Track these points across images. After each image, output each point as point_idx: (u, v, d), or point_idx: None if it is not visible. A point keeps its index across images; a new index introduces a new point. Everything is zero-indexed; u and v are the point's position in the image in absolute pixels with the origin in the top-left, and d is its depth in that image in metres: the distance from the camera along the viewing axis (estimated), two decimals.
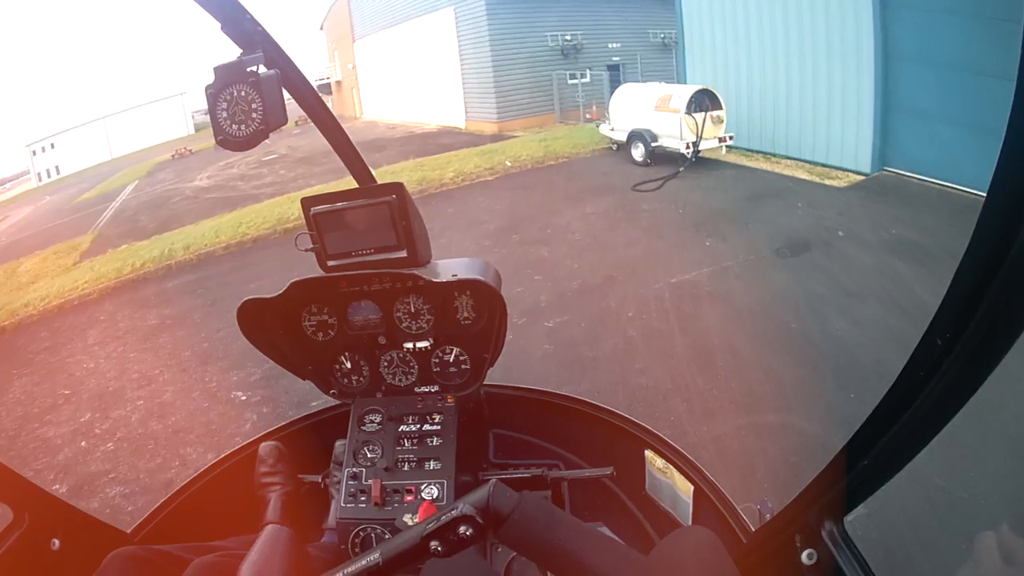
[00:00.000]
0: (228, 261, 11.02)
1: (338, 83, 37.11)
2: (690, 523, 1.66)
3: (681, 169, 12.98)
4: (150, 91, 46.15)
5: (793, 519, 1.05)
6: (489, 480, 1.05)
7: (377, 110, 32.04)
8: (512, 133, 20.91)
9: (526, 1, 21.27)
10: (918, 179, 11.46)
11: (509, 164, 14.78)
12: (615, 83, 21.20)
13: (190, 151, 30.34)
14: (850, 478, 0.89)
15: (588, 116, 21.55)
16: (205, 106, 1.25)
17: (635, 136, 14.07)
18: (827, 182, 12.31)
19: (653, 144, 13.61)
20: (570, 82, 22.40)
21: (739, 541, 1.40)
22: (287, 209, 12.48)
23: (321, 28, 37.28)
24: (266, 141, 1.26)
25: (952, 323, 0.64)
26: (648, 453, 1.79)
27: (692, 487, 1.65)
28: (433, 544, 0.98)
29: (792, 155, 14.29)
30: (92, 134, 41.87)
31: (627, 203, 11.29)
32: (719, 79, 15.18)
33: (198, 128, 43.45)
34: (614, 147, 15.73)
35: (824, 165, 13.43)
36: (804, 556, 1.00)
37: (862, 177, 12.44)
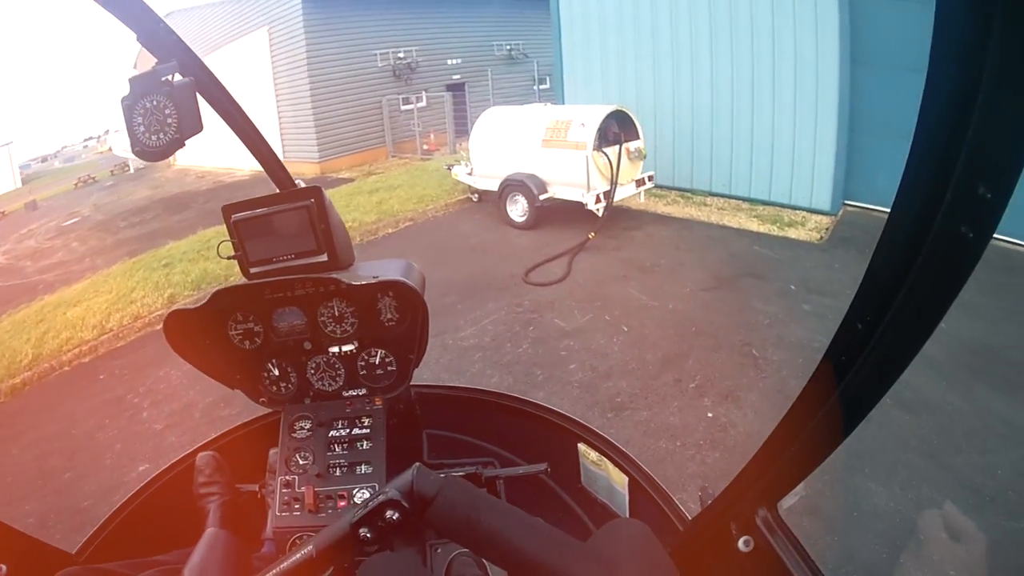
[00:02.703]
0: None
1: None
2: (627, 515, 1.65)
3: (592, 235, 8.52)
4: None
5: (727, 507, 1.04)
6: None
7: (191, 155, 27.12)
8: (337, 174, 17.64)
9: (350, 15, 18.08)
10: None
11: None
12: (459, 105, 18.55)
13: (3, 213, 26.52)
14: (780, 464, 0.89)
15: (426, 147, 18.47)
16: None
17: (512, 186, 9.46)
18: (791, 234, 8.80)
19: (542, 196, 9.06)
20: (404, 108, 19.12)
21: (677, 531, 1.39)
22: (25, 341, 8.01)
23: (135, 66, 31.86)
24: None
25: (871, 307, 0.64)
26: (581, 446, 1.79)
27: (627, 478, 1.64)
28: (362, 531, 0.98)
29: (719, 191, 10.56)
30: None
31: (525, 315, 6.60)
32: (611, 95, 11.07)
33: (25, 181, 39.41)
34: (474, 197, 11.23)
35: (766, 203, 9.84)
36: (740, 543, 1.00)
37: (828, 219, 9.29)
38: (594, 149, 8.48)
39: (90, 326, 7.99)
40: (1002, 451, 4.04)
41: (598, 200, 8.58)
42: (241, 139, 1.71)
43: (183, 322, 1.65)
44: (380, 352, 1.77)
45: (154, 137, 1.22)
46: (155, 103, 1.21)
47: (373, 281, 1.61)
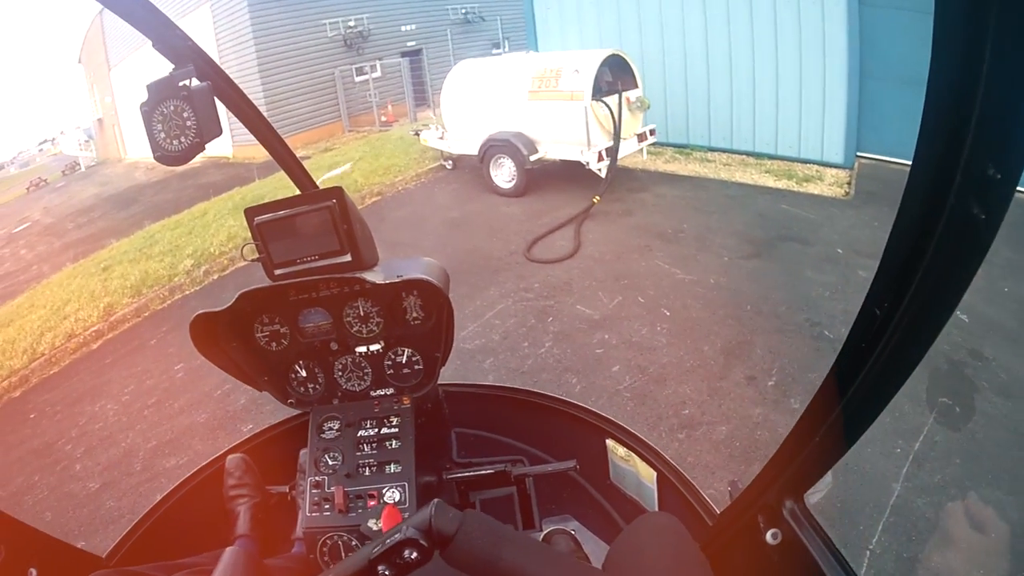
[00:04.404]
0: None
1: (99, 121, 30.13)
2: (656, 509, 1.62)
3: (596, 199, 7.38)
4: None
5: (754, 500, 1.02)
6: (433, 502, 1.00)
7: (142, 148, 25.97)
8: None
9: None
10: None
11: None
12: (416, 73, 17.48)
13: None
14: (805, 455, 0.87)
15: (384, 119, 17.31)
16: None
17: (496, 147, 8.20)
18: (812, 189, 7.87)
19: (532, 157, 7.85)
20: (358, 79, 17.88)
21: (706, 525, 1.36)
22: None
23: (79, 61, 30.32)
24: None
25: (889, 292, 0.62)
26: (609, 442, 1.76)
27: (655, 473, 1.61)
28: (381, 568, 0.93)
29: (720, 147, 9.61)
30: None
31: (538, 303, 5.44)
32: (590, 45, 9.91)
33: None
34: (448, 164, 10.00)
35: (772, 157, 8.93)
36: (768, 536, 0.97)
37: (844, 173, 8.38)
38: (593, 99, 7.27)
39: (20, 351, 6.91)
40: None
41: (600, 158, 7.41)
42: (259, 140, 1.69)
43: (208, 325, 1.58)
44: (407, 351, 1.72)
45: (175, 142, 1.21)
46: (173, 108, 1.20)
47: (397, 280, 1.56)
